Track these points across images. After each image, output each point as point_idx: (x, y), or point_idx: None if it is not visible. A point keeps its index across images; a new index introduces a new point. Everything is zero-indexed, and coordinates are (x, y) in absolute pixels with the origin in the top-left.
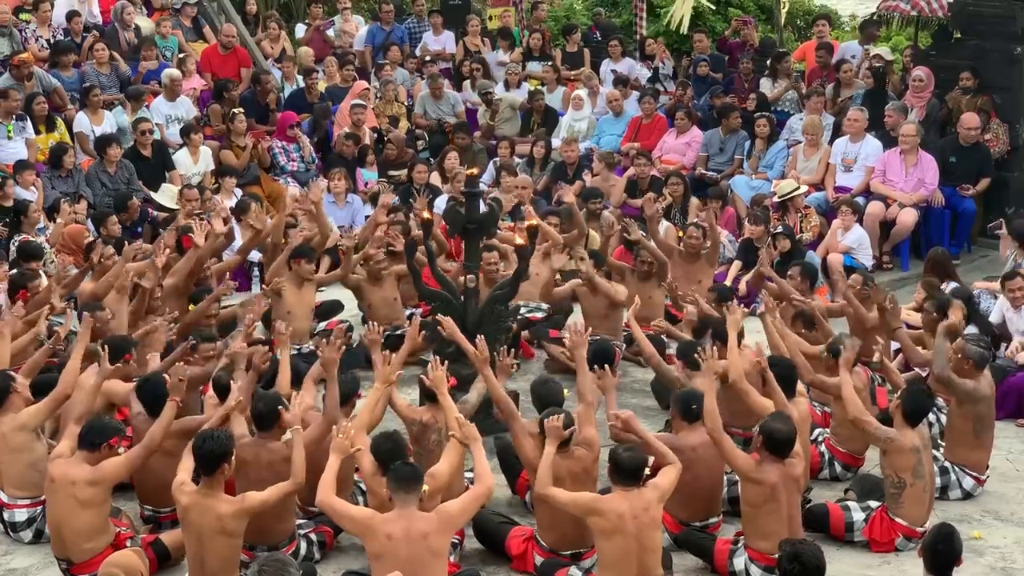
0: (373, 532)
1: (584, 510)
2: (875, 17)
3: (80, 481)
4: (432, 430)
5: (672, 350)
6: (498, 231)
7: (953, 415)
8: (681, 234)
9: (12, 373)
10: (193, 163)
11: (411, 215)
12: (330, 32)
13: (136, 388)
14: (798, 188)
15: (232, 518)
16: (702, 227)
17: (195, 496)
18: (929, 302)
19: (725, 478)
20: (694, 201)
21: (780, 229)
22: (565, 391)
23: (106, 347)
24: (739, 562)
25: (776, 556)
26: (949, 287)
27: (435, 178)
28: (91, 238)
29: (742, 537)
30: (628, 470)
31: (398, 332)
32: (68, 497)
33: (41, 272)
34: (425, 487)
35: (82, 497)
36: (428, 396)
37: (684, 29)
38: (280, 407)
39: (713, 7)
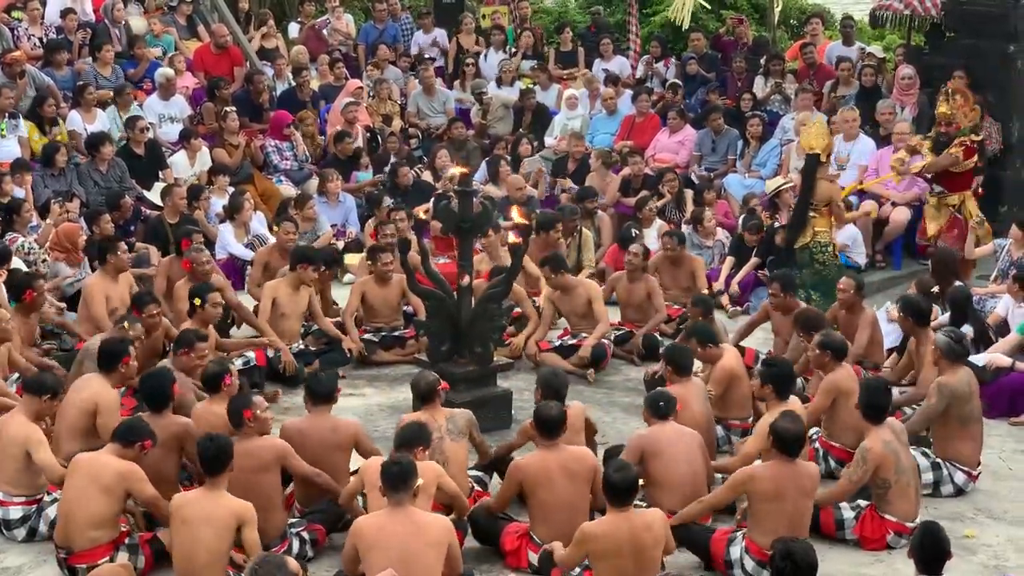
0: (364, 526)
1: (585, 543)
2: (876, 14)
3: (110, 467)
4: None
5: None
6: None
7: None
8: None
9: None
10: (189, 166)
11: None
12: (325, 31)
13: (140, 382)
14: (786, 182)
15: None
16: (676, 235)
17: (196, 494)
18: (899, 307)
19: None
20: (688, 193)
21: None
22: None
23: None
24: (735, 550)
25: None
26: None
27: (428, 177)
28: (85, 236)
29: (743, 529)
30: (621, 489)
31: (395, 334)
32: (91, 479)
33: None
34: (420, 480)
35: (104, 482)
36: (421, 398)
37: (686, 25)
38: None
39: (708, 6)
